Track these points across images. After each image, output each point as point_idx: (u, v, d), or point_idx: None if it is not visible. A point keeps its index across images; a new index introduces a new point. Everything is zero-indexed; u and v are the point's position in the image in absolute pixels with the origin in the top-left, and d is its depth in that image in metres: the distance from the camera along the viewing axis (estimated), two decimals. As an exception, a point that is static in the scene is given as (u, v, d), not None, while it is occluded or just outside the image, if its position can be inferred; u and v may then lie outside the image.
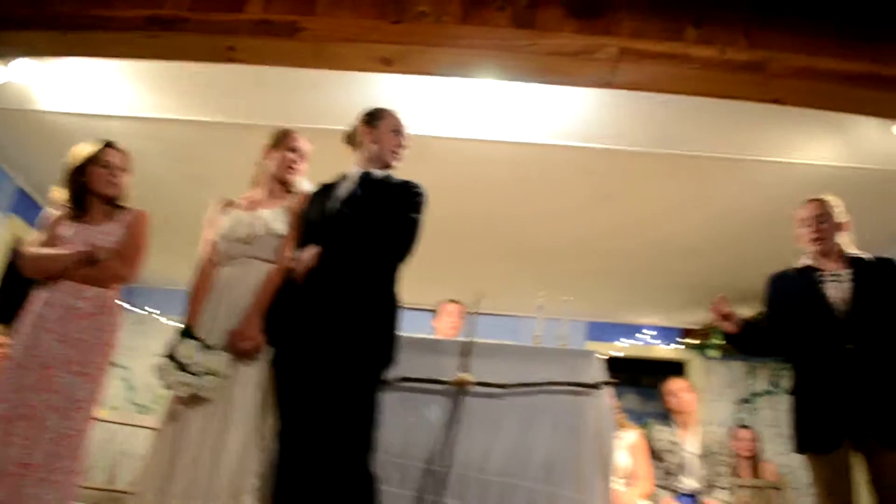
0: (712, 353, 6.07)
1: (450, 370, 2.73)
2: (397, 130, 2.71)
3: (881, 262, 2.95)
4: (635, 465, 4.24)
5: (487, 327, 4.99)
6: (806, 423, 2.92)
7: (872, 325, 2.82)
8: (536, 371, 2.76)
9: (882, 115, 3.28)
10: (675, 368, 6.06)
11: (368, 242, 2.45)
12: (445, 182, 4.29)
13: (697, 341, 6.14)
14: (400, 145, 2.70)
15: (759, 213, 4.41)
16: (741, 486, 4.63)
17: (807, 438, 2.89)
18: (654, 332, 6.43)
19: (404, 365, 2.72)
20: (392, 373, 2.63)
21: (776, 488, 4.69)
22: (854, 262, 2.94)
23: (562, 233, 4.97)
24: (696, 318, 6.24)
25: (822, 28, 3.04)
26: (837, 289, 2.91)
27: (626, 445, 4.31)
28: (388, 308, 2.46)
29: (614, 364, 6.37)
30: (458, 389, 2.69)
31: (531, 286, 5.13)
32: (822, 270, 2.98)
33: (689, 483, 4.15)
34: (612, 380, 2.84)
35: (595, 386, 2.76)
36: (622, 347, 6.35)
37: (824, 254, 3.00)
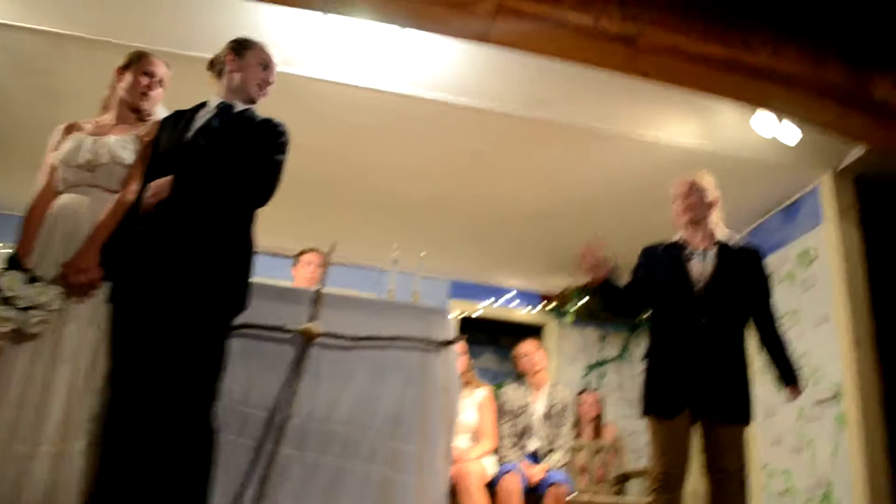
0: (569, 318, 6.28)
1: (299, 319, 2.66)
2: (265, 64, 2.56)
3: (746, 251, 3.11)
4: (481, 423, 4.33)
5: (350, 278, 4.95)
6: (654, 387, 3.05)
7: (726, 305, 2.97)
8: (388, 325, 2.73)
9: (742, 101, 3.44)
10: (533, 331, 6.23)
11: (226, 182, 2.30)
12: (310, 125, 4.15)
13: (556, 305, 6.33)
14: (266, 81, 2.55)
15: (623, 185, 4.56)
16: (581, 448, 4.85)
17: (652, 402, 3.03)
18: (515, 295, 6.57)
19: (252, 311, 2.62)
20: (239, 319, 2.53)
21: (615, 450, 4.94)
22: (721, 245, 3.08)
23: (428, 188, 4.93)
24: (556, 283, 6.42)
25: (693, 10, 3.13)
26: (700, 266, 3.03)
27: (475, 403, 4.39)
28: (241, 251, 2.33)
29: (475, 324, 6.56)
30: (306, 339, 2.62)
31: (396, 239, 5.09)
32: (690, 247, 3.10)
33: (533, 443, 4.28)
34: (460, 337, 2.86)
35: (445, 343, 2.76)
36: (483, 308, 6.45)
37: (694, 231, 3.12)
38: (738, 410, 2.89)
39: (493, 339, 7.24)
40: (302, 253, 4.53)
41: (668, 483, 2.90)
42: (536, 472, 4.09)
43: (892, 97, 3.34)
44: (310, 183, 4.94)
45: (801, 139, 4.03)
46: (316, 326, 2.62)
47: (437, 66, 3.73)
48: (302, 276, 4.46)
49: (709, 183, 3.15)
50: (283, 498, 2.53)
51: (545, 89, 3.82)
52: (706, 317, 2.95)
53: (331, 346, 2.66)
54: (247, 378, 2.58)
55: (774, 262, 4.82)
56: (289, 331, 2.62)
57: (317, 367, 2.63)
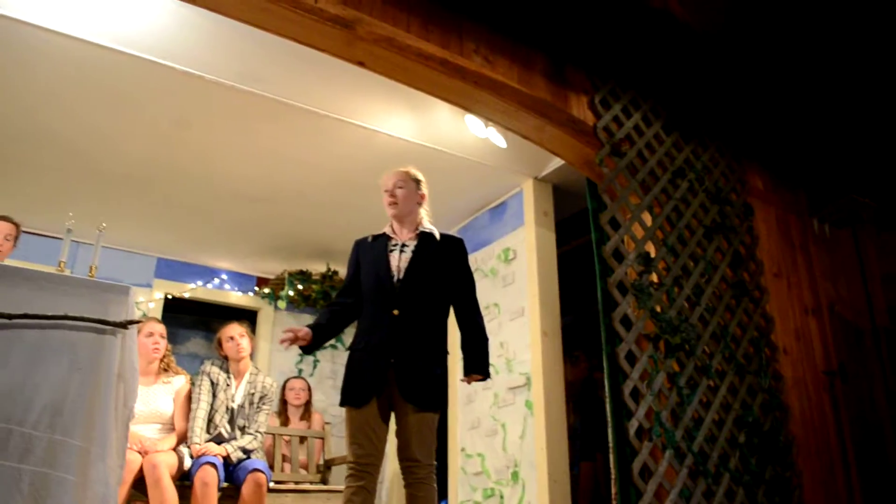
0: (282, 303, 6.13)
1: (-63, 291, 2.22)
2: None
3: (448, 240, 3.17)
4: (176, 412, 4.05)
5: (36, 250, 4.33)
6: (348, 377, 3.06)
7: (420, 296, 3.02)
8: (55, 302, 2.37)
9: (452, 101, 3.55)
10: (246, 315, 5.98)
11: None
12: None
13: (271, 291, 6.15)
14: None
15: (338, 172, 4.51)
16: (285, 435, 4.74)
17: (345, 391, 3.03)
18: (229, 278, 6.27)
19: None
20: None
21: (321, 437, 4.90)
22: (422, 236, 3.13)
23: (130, 155, 4.48)
24: (271, 267, 6.25)
25: (417, 5, 3.16)
26: (399, 258, 3.07)
27: (172, 391, 4.10)
28: None
29: (183, 306, 6.15)
30: (-55, 316, 2.19)
31: (93, 209, 4.58)
32: (395, 239, 3.13)
33: (226, 427, 4.07)
34: (143, 319, 2.59)
35: (123, 324, 2.47)
36: (193, 289, 6.06)
37: (401, 224, 3.16)
38: (425, 399, 2.93)
39: (204, 323, 6.86)
40: None
41: (359, 470, 2.92)
42: (223, 450, 3.91)
43: (587, 115, 3.67)
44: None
45: (512, 144, 4.30)
46: (-42, 301, 2.20)
47: (145, 23, 3.37)
48: None
49: (420, 178, 3.21)
50: None
51: (264, 65, 3.63)
52: (399, 308, 2.99)
53: (-22, 324, 2.25)
54: None
55: (481, 258, 5.11)
56: (-81, 306, 2.17)
57: (-42, 350, 2.21)
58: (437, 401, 2.98)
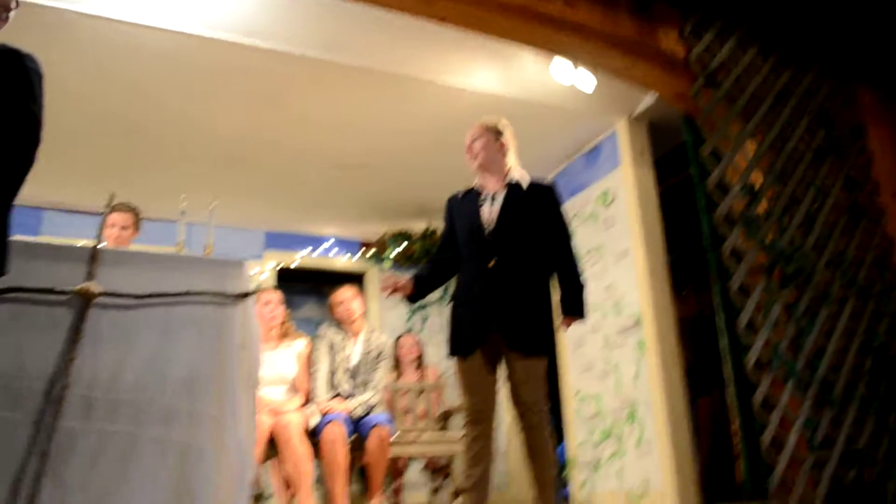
0: (387, 264, 6.27)
1: (75, 279, 2.40)
2: None
3: (537, 187, 3.15)
4: (300, 374, 4.26)
5: (158, 234, 4.60)
6: (453, 329, 3.13)
7: (511, 244, 3.03)
8: (177, 280, 2.52)
9: (537, 47, 3.49)
10: (354, 279, 6.18)
11: None
12: (96, 70, 3.77)
13: (375, 253, 6.30)
14: (6, 6, 2.05)
15: (428, 133, 4.53)
16: (403, 389, 4.91)
17: (452, 343, 3.11)
18: (334, 243, 6.46)
19: (18, 273, 2.34)
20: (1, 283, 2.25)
21: (437, 389, 5.04)
22: (510, 185, 3.12)
23: (228, 137, 4.66)
24: (374, 229, 6.39)
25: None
26: (489, 209, 3.08)
27: (294, 354, 4.30)
28: None
29: (294, 274, 6.40)
30: (83, 301, 2.37)
31: (202, 191, 4.79)
32: (484, 192, 3.14)
33: (346, 385, 4.26)
34: (259, 289, 2.72)
35: (242, 296, 2.61)
36: (301, 258, 6.29)
37: (488, 175, 3.16)
38: (529, 345, 2.96)
39: (315, 289, 7.11)
40: (109, 211, 4.14)
41: (474, 418, 3.00)
42: (347, 406, 4.09)
43: (677, 48, 3.54)
44: (106, 133, 4.52)
45: (599, 86, 4.18)
46: (94, 286, 2.37)
47: (229, 7, 3.46)
48: (110, 238, 4.10)
49: (499, 128, 3.18)
50: (70, 474, 2.31)
51: (345, 33, 3.67)
52: (496, 258, 3.01)
53: (112, 306, 2.43)
54: (17, 348, 2.30)
55: (579, 203, 5.05)
56: (62, 292, 2.36)
57: (98, 331, 2.39)
58: (542, 346, 3.00)
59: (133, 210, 4.18)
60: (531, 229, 3.07)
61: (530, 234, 3.07)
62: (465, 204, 3.18)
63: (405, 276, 3.18)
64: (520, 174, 3.17)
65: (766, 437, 2.94)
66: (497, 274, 3.00)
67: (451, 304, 3.18)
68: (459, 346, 3.07)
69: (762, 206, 3.35)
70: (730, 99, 3.48)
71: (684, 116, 3.73)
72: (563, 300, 3.07)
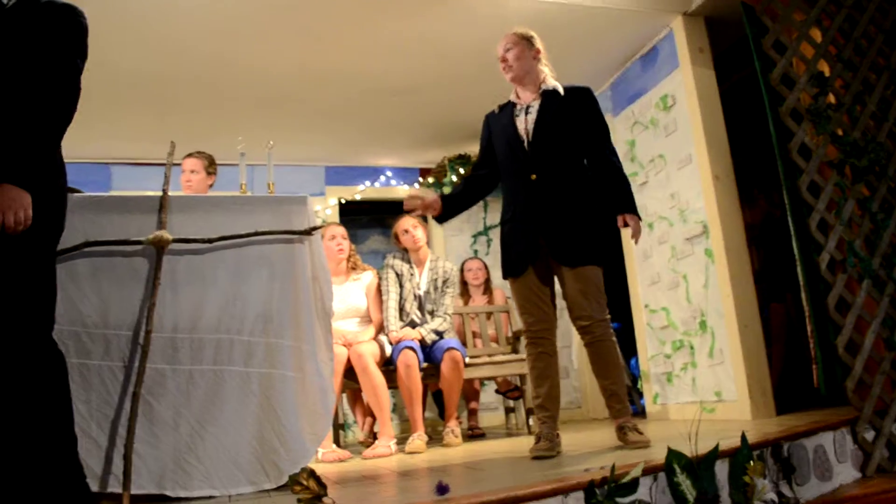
0: (447, 189, 6.28)
1: (147, 229, 2.50)
2: None
3: (574, 91, 3.06)
4: (369, 305, 4.36)
5: (221, 177, 4.70)
6: (504, 250, 3.13)
7: (551, 155, 2.97)
8: (244, 221, 2.61)
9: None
10: (416, 207, 6.21)
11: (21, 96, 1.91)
12: (146, 26, 3.80)
13: (434, 179, 6.30)
14: None
15: (476, 49, 4.41)
16: (471, 313, 4.98)
17: (505, 264, 3.12)
18: (393, 174, 6.48)
19: (93, 227, 2.45)
20: (75, 238, 2.36)
21: (506, 311, 5.09)
22: (545, 94, 3.05)
23: (283, 75, 4.65)
24: (432, 157, 6.36)
25: None
26: (525, 120, 3.02)
27: (363, 286, 4.40)
28: (49, 174, 2.00)
29: (357, 207, 6.47)
30: (157, 249, 2.47)
31: (261, 133, 4.85)
32: (519, 104, 3.08)
33: (416, 314, 4.35)
34: (324, 225, 2.78)
35: (308, 231, 2.68)
36: (362, 191, 6.35)
37: (521, 86, 3.09)
38: (577, 256, 2.93)
39: (378, 221, 7.20)
40: (184, 159, 4.29)
41: (534, 336, 3.03)
42: (418, 333, 4.19)
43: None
44: (161, 85, 4.59)
45: (652, -19, 4.01)
46: (165, 234, 2.47)
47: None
48: (183, 183, 4.25)
49: (526, 36, 3.09)
50: (163, 410, 2.47)
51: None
52: (535, 171, 2.97)
53: (186, 251, 2.53)
54: (100, 299, 2.43)
55: (638, 110, 4.91)
56: (136, 242, 2.46)
57: (174, 277, 2.51)
58: (592, 255, 2.95)
59: (203, 155, 4.29)
60: (569, 136, 3.00)
61: (569, 140, 3.00)
62: (501, 118, 3.13)
63: (431, 195, 3.13)
64: (554, 82, 3.09)
65: (842, 339, 2.88)
66: (539, 187, 2.96)
67: (500, 225, 3.16)
68: (510, 265, 3.08)
69: (831, 98, 3.19)
70: (793, -16, 3.29)
71: (744, 6, 3.54)
72: (612, 199, 3.00)
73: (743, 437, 2.32)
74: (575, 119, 3.01)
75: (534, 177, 2.96)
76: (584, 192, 3.02)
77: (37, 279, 1.94)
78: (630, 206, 2.97)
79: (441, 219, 3.18)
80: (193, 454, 2.43)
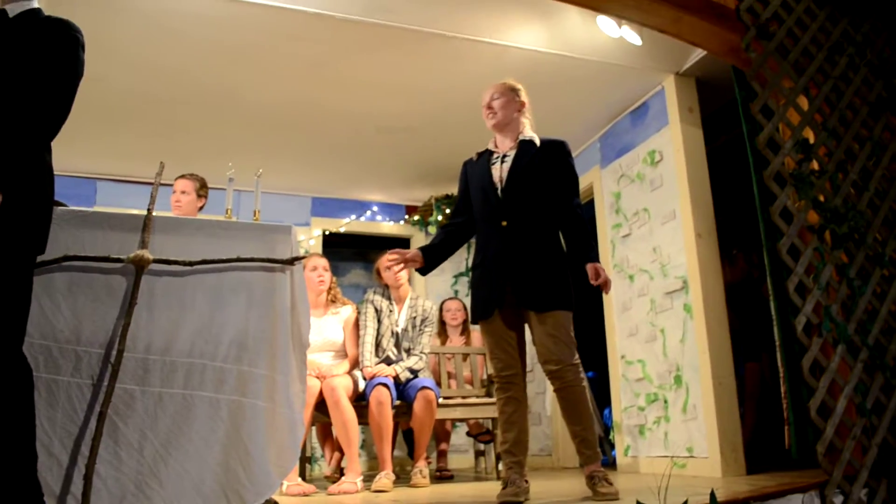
0: (432, 229, 6.30)
1: (128, 247, 2.48)
2: None
3: (549, 143, 3.14)
4: (346, 340, 4.33)
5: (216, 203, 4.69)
6: (473, 294, 3.17)
7: (522, 203, 3.02)
8: (227, 246, 2.59)
9: (580, 4, 3.42)
10: (399, 243, 6.22)
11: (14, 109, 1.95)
12: (141, 40, 3.81)
13: (419, 217, 6.33)
14: None
15: (472, 94, 4.41)
16: (447, 353, 4.95)
17: (474, 308, 3.14)
18: (379, 209, 6.50)
19: (75, 242, 2.43)
20: (54, 251, 2.33)
21: (482, 353, 5.07)
22: (521, 144, 3.12)
23: (272, 104, 4.69)
24: (419, 195, 6.40)
25: None
26: (500, 168, 3.09)
27: (341, 320, 4.37)
28: (35, 184, 2.00)
29: (340, 240, 6.47)
30: (137, 268, 2.45)
31: (247, 159, 4.87)
32: (497, 152, 3.15)
33: (392, 350, 4.32)
34: (306, 255, 2.77)
35: (290, 261, 2.67)
36: (347, 224, 6.35)
37: (501, 135, 3.17)
38: (543, 301, 2.95)
39: (361, 255, 7.20)
40: (176, 180, 4.29)
41: (504, 382, 3.03)
42: (393, 371, 4.16)
43: (726, 0, 3.42)
44: (154, 104, 4.60)
45: (646, 42, 4.10)
46: (147, 253, 2.45)
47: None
48: (172, 203, 4.24)
49: (512, 87, 3.18)
50: (128, 432, 2.42)
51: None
52: (506, 219, 3.01)
53: (165, 273, 2.51)
54: (74, 315, 2.40)
55: (626, 164, 4.97)
56: (117, 260, 2.44)
57: (152, 297, 2.48)
58: (558, 300, 2.97)
59: (195, 178, 4.30)
60: (541, 185, 3.06)
61: (541, 190, 3.06)
62: (478, 165, 3.20)
63: (412, 250, 3.20)
64: (532, 133, 3.16)
65: (815, 402, 2.89)
66: (510, 234, 3.01)
67: (471, 270, 3.20)
68: (477, 310, 3.10)
69: (815, 164, 3.25)
70: (782, 51, 3.36)
71: (734, 70, 3.62)
72: (574, 251, 3.05)
73: (712, 495, 2.31)
74: (547, 170, 3.08)
75: (505, 223, 3.01)
76: (554, 240, 3.08)
77: (11, 289, 1.91)
78: (592, 256, 3.02)
79: (424, 271, 3.23)
80: (156, 478, 2.38)
